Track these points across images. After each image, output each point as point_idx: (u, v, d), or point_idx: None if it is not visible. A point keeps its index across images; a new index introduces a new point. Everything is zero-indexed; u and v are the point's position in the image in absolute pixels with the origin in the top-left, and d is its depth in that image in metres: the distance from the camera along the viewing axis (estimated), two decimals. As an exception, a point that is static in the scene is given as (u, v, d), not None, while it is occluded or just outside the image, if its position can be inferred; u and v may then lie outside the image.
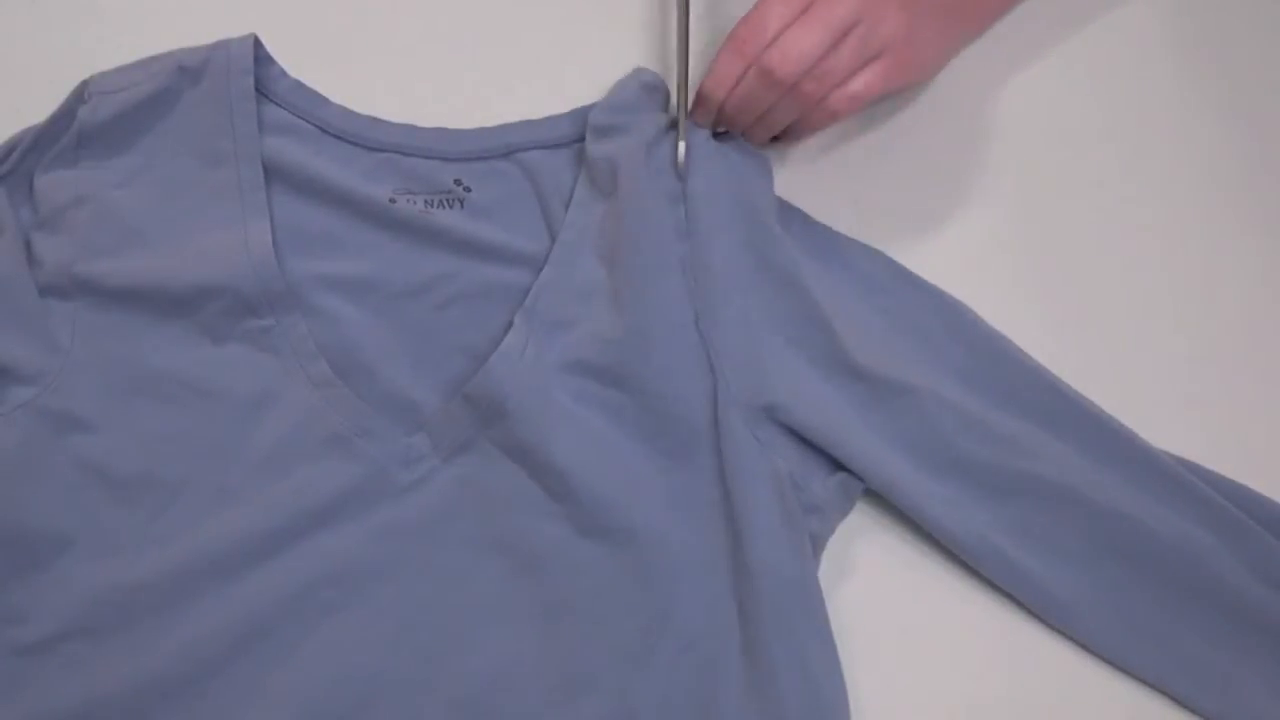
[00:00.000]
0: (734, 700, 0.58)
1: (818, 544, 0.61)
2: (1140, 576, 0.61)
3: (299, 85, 0.66)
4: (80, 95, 0.64)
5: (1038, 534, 0.61)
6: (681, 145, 0.63)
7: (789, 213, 0.65)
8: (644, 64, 0.67)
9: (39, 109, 0.64)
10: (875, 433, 0.62)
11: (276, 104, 0.65)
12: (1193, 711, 0.61)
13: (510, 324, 0.62)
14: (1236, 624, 0.60)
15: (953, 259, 0.67)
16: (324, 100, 0.66)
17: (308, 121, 0.65)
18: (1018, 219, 0.69)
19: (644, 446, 0.61)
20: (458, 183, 0.65)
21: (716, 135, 0.64)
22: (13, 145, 0.63)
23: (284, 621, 0.58)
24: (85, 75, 0.64)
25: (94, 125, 0.63)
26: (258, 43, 0.65)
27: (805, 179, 0.67)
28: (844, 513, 0.62)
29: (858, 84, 0.61)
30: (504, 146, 0.65)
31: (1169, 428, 0.63)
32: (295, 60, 0.67)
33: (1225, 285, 0.69)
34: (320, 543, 0.59)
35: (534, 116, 0.66)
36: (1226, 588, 0.60)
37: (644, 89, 0.66)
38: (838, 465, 0.62)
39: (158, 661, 0.57)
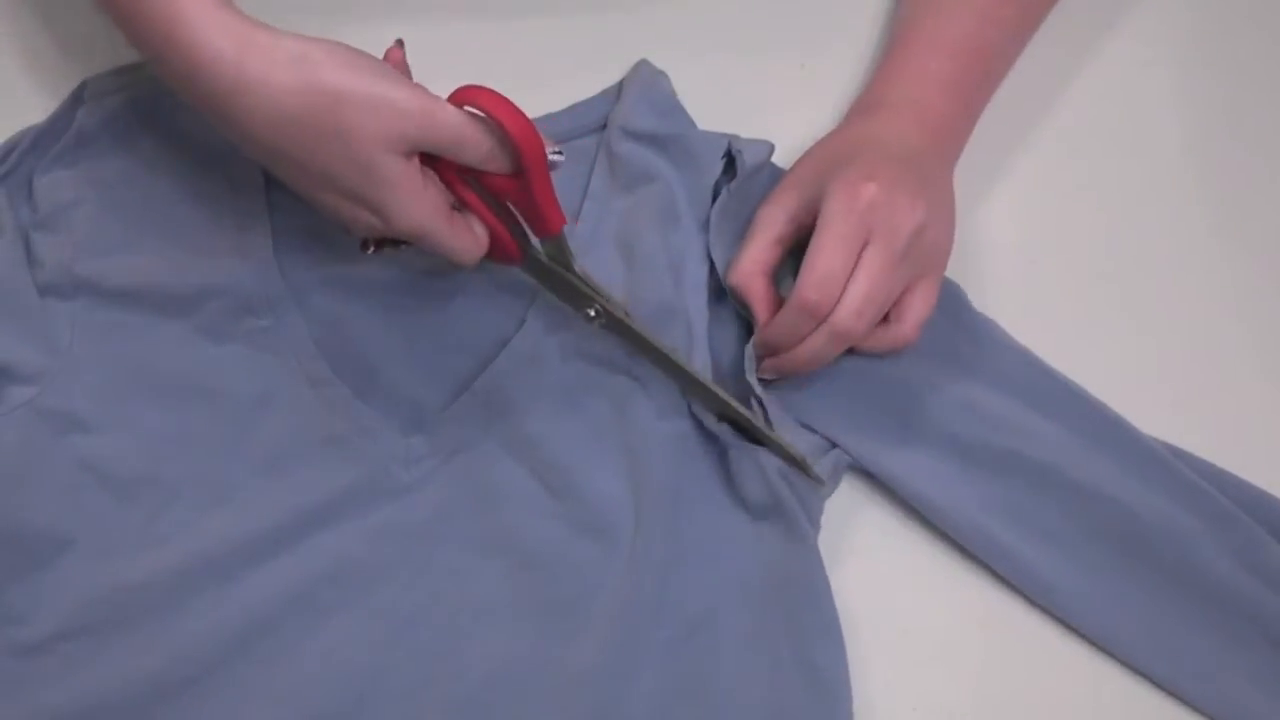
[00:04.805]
0: (733, 690, 0.58)
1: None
2: (1123, 560, 0.61)
3: None
4: (79, 96, 0.63)
5: (1023, 513, 0.61)
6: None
7: None
8: (637, 58, 0.68)
9: (38, 109, 0.64)
10: (863, 408, 0.62)
11: None
12: (1175, 696, 0.61)
13: (518, 320, 0.62)
14: (1219, 610, 0.60)
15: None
16: None
17: None
18: (1015, 216, 0.70)
19: (648, 434, 0.61)
20: None
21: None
22: (12, 145, 0.63)
23: (284, 621, 0.58)
24: (84, 75, 0.64)
25: (93, 126, 0.63)
26: None
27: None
28: (832, 489, 0.62)
29: (923, 308, 0.61)
30: None
31: (1164, 424, 0.64)
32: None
33: (1222, 284, 0.69)
34: (320, 543, 0.59)
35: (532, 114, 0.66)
36: (1210, 573, 0.60)
37: (669, 93, 0.66)
38: (830, 444, 0.62)
39: (158, 661, 0.57)
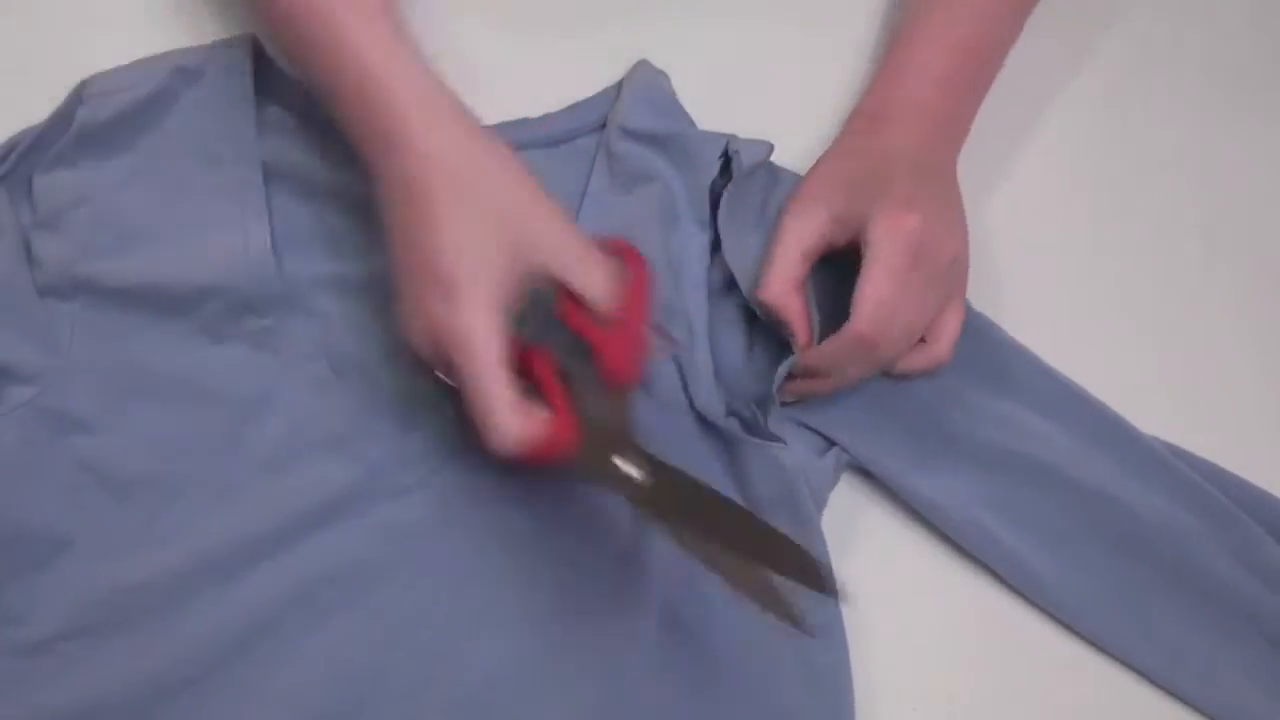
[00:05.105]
0: (734, 691, 0.58)
1: None
2: (1121, 558, 0.61)
3: (298, 85, 0.66)
4: (79, 96, 0.63)
5: (1021, 511, 0.61)
6: None
7: None
8: (637, 57, 0.68)
9: (39, 109, 0.64)
10: (859, 404, 0.62)
11: (276, 104, 0.65)
12: (1173, 695, 0.61)
13: None
14: (1217, 609, 0.60)
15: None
16: None
17: (308, 121, 0.65)
18: (1016, 217, 0.70)
19: (650, 434, 0.60)
20: None
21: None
22: (11, 146, 0.63)
23: (283, 622, 0.58)
24: (84, 75, 0.64)
25: (93, 126, 0.63)
26: (257, 42, 0.65)
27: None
28: (832, 487, 0.62)
29: (955, 327, 0.61)
30: None
31: (1164, 425, 0.64)
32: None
33: (1222, 283, 0.69)
34: (320, 543, 0.59)
35: (529, 114, 0.66)
36: (1208, 572, 0.60)
37: (668, 92, 0.66)
38: (829, 443, 0.62)
39: (158, 662, 0.57)
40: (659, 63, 0.68)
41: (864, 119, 0.66)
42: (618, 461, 0.52)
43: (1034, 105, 0.72)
